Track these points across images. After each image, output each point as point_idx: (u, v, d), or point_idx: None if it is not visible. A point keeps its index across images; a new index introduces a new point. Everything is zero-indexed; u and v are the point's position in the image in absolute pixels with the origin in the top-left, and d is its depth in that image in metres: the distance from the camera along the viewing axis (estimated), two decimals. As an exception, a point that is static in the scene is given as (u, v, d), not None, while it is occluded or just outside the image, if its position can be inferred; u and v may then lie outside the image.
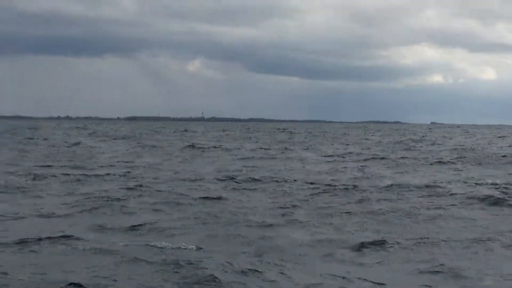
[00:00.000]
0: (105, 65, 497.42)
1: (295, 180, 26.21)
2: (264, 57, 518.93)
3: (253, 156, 41.99)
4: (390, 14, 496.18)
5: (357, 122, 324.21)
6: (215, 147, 51.99)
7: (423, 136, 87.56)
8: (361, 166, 34.42)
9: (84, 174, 27.89)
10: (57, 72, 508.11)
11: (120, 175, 27.67)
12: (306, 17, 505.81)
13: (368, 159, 39.47)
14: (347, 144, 62.87)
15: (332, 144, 62.63)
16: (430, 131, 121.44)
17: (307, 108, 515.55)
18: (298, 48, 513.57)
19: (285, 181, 26.02)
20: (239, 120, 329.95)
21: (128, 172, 29.28)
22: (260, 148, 52.34)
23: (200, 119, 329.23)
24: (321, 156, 43.50)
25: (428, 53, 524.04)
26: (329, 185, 24.62)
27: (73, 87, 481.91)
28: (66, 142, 60.80)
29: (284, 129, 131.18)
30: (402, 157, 40.98)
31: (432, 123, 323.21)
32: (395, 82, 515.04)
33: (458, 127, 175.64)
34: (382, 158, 39.83)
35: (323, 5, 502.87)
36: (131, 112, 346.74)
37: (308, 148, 53.50)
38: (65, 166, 32.76)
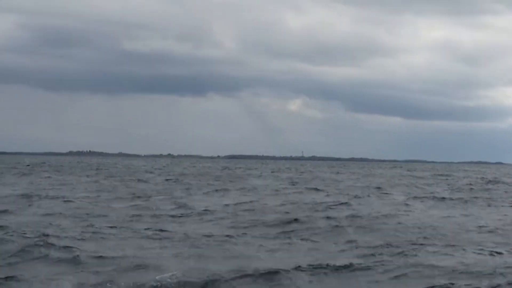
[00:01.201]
0: (208, 104, 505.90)
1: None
2: (365, 97, 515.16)
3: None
4: (493, 53, 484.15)
5: (458, 163, 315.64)
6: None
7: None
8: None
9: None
10: (161, 110, 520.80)
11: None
12: (406, 56, 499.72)
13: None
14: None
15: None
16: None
17: (408, 148, 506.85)
18: (399, 87, 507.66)
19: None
20: (339, 159, 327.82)
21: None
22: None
23: (301, 158, 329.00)
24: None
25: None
26: None
27: (177, 125, 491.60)
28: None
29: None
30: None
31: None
32: (499, 122, 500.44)
33: None
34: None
35: (424, 43, 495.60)
36: (232, 151, 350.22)
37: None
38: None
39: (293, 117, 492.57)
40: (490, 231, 19.69)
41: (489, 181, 58.92)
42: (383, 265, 13.59)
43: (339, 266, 13.30)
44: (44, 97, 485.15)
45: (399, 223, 21.66)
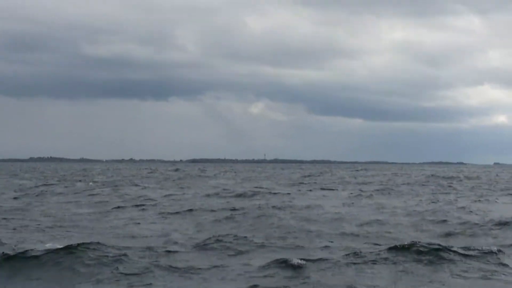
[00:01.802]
0: (170, 108, 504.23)
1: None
2: (327, 99, 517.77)
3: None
4: (454, 54, 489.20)
5: (419, 163, 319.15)
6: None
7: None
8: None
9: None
10: (122, 115, 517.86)
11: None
12: (368, 58, 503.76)
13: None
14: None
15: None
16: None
17: (370, 150, 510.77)
18: (361, 89, 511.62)
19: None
20: (301, 161, 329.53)
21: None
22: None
23: (263, 161, 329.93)
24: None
25: (493, 93, 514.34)
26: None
27: (139, 130, 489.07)
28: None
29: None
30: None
31: (495, 163, 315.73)
32: (460, 123, 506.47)
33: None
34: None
35: (386, 45, 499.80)
36: (195, 155, 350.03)
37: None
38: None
39: (256, 120, 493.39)
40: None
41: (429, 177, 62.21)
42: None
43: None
44: (4, 103, 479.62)
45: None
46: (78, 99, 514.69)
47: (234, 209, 26.38)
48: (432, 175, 74.75)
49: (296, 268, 13.37)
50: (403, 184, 52.76)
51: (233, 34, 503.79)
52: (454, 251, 14.98)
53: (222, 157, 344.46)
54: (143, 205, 29.23)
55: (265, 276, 12.88)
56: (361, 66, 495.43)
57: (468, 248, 15.53)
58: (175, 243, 17.20)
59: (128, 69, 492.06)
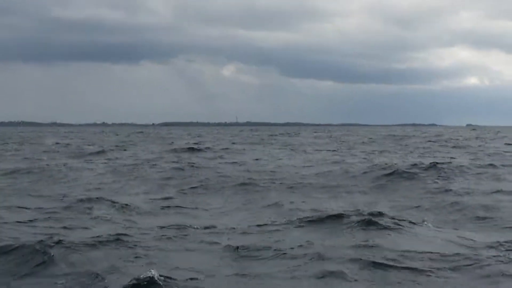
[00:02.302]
0: (141, 72, 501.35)
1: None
2: (299, 61, 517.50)
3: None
4: (425, 16, 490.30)
5: (392, 125, 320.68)
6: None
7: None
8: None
9: None
10: (95, 79, 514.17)
11: None
12: (340, 20, 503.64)
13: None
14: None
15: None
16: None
17: (343, 112, 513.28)
18: (333, 52, 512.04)
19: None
20: (274, 124, 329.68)
21: None
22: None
23: (235, 124, 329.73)
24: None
25: (464, 55, 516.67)
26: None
27: (111, 94, 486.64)
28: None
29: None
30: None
31: (468, 125, 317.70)
32: (432, 85, 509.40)
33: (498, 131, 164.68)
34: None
35: (359, 8, 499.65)
36: (167, 118, 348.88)
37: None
38: None
39: (227, 83, 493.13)
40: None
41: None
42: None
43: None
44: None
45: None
46: (49, 62, 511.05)
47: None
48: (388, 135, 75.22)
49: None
50: (342, 143, 53.10)
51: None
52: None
53: (195, 121, 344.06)
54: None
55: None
56: (333, 29, 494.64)
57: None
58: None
59: (99, 33, 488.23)
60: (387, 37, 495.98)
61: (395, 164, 25.73)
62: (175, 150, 40.30)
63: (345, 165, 27.54)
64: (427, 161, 26.64)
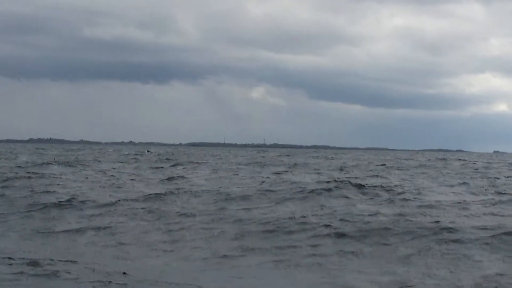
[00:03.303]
0: (171, 92, 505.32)
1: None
2: (327, 85, 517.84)
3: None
4: (455, 42, 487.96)
5: (419, 150, 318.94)
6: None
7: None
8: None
9: None
10: (124, 98, 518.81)
11: None
12: (369, 44, 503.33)
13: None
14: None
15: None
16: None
17: (370, 136, 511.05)
18: (362, 76, 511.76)
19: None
20: (301, 147, 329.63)
21: None
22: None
23: (262, 146, 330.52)
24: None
25: (494, 82, 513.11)
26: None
27: (139, 113, 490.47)
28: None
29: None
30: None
31: (495, 152, 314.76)
32: (460, 111, 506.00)
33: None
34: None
35: (388, 32, 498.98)
36: (194, 139, 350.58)
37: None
38: None
39: (256, 105, 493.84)
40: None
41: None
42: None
43: None
44: (4, 84, 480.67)
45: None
46: (79, 81, 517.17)
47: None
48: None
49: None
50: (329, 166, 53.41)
51: (233, 19, 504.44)
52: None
53: (222, 141, 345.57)
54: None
55: None
56: (362, 53, 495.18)
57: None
58: None
59: (129, 53, 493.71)
60: (416, 62, 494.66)
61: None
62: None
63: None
64: None
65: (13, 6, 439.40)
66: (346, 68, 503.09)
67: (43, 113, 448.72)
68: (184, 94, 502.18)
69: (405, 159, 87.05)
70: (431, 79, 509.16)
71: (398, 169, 50.19)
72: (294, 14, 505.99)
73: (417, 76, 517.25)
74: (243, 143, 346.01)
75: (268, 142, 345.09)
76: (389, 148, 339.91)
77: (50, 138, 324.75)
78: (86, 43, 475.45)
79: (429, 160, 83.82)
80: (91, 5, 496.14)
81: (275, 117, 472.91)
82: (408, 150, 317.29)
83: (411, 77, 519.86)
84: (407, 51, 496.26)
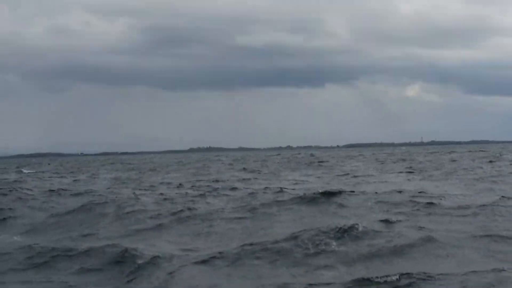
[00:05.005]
0: (325, 94, 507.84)
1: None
2: (483, 78, 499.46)
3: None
4: None
5: None
6: None
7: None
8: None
9: None
10: (279, 103, 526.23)
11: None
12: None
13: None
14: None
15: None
16: None
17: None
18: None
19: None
20: (459, 143, 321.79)
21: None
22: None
23: (420, 144, 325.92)
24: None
25: None
26: None
27: (295, 117, 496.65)
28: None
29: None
30: None
31: None
32: None
33: None
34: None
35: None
36: (351, 140, 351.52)
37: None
38: None
39: (411, 103, 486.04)
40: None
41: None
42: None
43: None
44: (161, 96, 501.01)
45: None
46: (234, 89, 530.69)
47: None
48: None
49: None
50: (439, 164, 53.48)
51: (383, 17, 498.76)
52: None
53: (379, 141, 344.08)
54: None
55: None
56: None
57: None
58: None
59: (281, 58, 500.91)
60: None
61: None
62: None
63: None
64: None
65: (164, 20, 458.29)
66: (500, 60, 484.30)
67: (200, 122, 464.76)
68: (339, 96, 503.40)
69: None
70: None
71: None
72: (444, 8, 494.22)
73: None
74: (400, 142, 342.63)
75: (425, 140, 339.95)
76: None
77: (209, 147, 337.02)
78: (238, 51, 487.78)
79: None
80: (241, 14, 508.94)
81: (431, 114, 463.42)
82: None
83: None
84: None
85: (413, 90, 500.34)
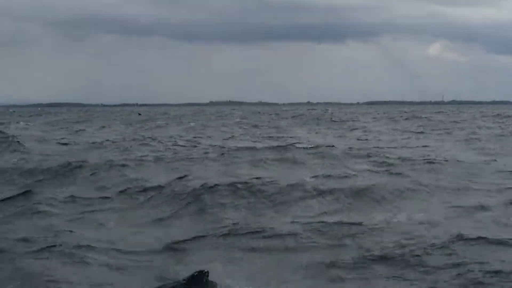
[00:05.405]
0: (346, 51, 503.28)
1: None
2: (507, 38, 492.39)
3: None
4: None
5: None
6: None
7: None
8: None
9: None
10: (299, 58, 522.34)
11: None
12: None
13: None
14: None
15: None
16: None
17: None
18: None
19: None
20: (480, 103, 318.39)
21: None
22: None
23: (440, 103, 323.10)
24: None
25: None
26: None
27: (315, 73, 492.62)
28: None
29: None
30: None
31: None
32: None
33: None
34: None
35: None
36: (371, 97, 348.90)
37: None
38: None
39: (433, 61, 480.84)
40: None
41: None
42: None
43: None
44: (176, 47, 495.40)
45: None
46: (254, 43, 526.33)
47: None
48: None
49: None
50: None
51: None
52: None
53: (399, 99, 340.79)
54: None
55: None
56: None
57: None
58: None
59: (301, 13, 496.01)
60: None
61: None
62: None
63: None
64: None
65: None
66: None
67: (219, 76, 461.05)
68: (360, 52, 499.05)
69: None
70: None
71: None
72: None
73: None
74: (421, 100, 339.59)
75: (446, 99, 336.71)
76: None
77: (229, 101, 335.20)
78: (256, 5, 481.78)
79: None
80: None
81: (453, 73, 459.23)
82: None
83: None
84: None
85: (435, 49, 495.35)
